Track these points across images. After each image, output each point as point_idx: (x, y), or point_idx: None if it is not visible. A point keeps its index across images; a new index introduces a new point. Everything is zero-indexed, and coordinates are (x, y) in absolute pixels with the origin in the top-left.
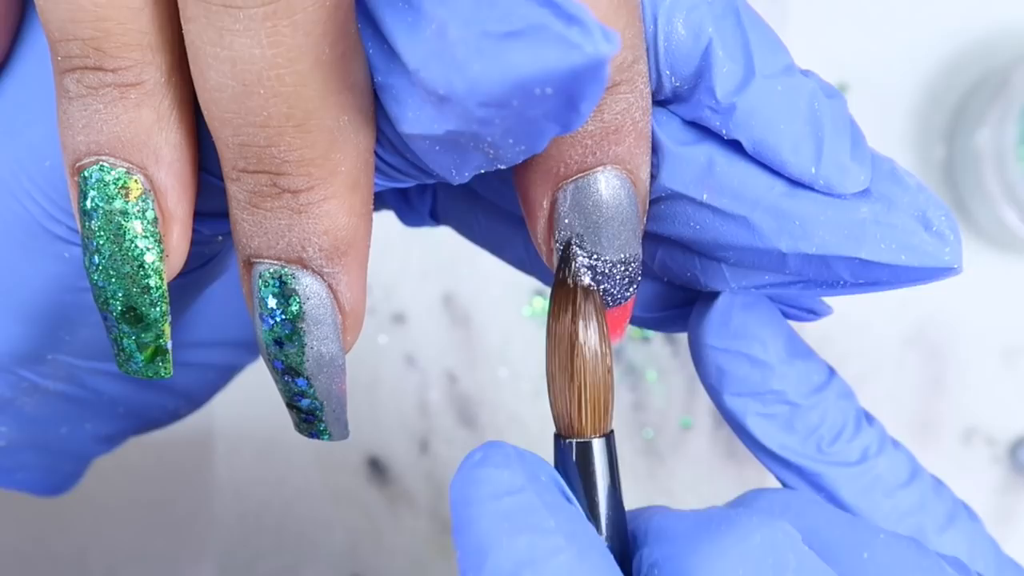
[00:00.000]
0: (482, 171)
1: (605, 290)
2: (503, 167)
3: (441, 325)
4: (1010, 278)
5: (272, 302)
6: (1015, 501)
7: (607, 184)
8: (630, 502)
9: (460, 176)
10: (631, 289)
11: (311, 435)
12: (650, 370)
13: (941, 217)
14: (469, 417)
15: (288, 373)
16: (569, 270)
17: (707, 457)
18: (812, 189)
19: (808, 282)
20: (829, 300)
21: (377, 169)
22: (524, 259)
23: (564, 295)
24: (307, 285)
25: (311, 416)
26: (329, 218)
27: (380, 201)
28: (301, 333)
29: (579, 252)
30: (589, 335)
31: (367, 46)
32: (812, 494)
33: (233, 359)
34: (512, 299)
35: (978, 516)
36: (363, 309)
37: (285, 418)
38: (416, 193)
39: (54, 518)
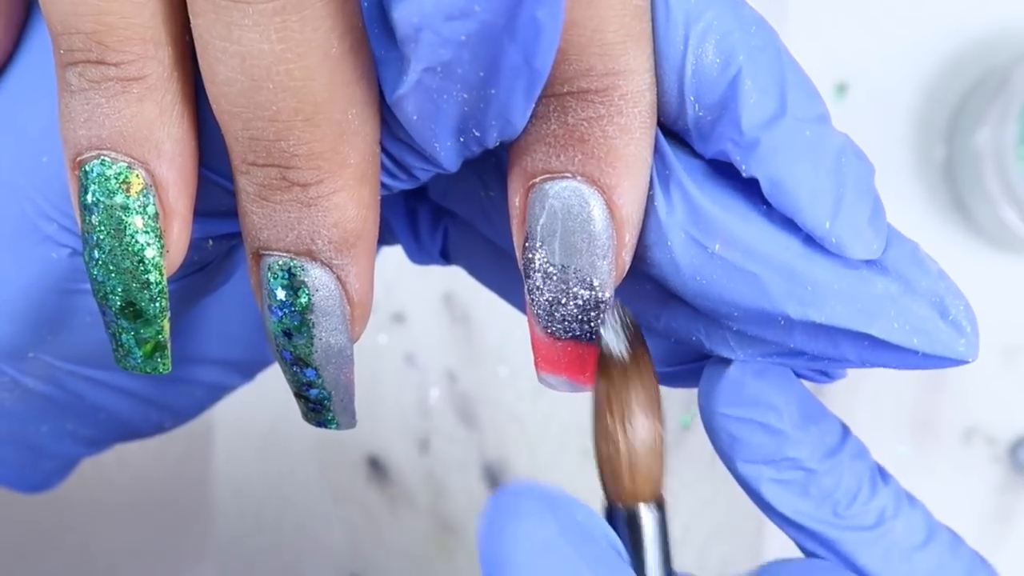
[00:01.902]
0: (463, 141)
1: (564, 316)
2: (478, 133)
3: (441, 324)
4: (1010, 278)
5: (281, 294)
6: (1015, 500)
7: (573, 194)
8: None
9: (444, 148)
10: (597, 321)
11: (319, 424)
12: None
13: (960, 307)
14: (469, 416)
15: (297, 364)
16: (614, 332)
17: (707, 457)
18: (821, 247)
19: (814, 358)
20: None
21: (381, 166)
22: None
23: (609, 359)
24: (316, 277)
25: (319, 406)
26: (338, 210)
27: (391, 237)
28: (310, 324)
29: (614, 315)
30: (636, 398)
31: (371, 32)
32: (832, 563)
33: (223, 379)
34: None
35: (995, 569)
36: (371, 300)
37: (285, 416)
38: (427, 231)
39: (57, 515)
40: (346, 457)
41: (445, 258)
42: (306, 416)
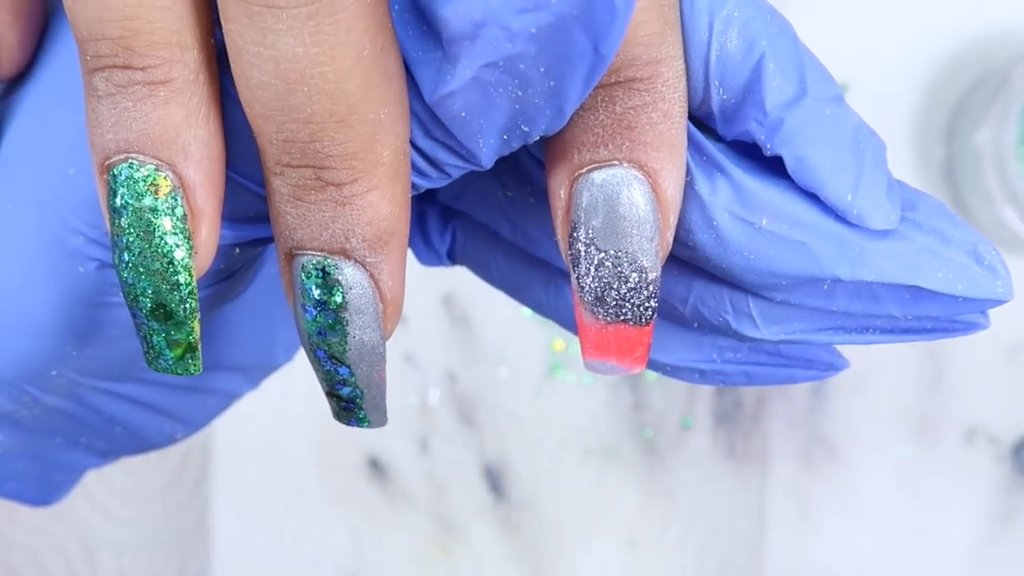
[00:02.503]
0: (506, 138)
1: (615, 300)
2: (527, 128)
3: (441, 325)
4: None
5: (316, 292)
6: (1017, 500)
7: (620, 181)
8: (630, 502)
9: (487, 146)
10: (649, 304)
11: (350, 423)
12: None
13: (991, 252)
14: (469, 417)
15: (330, 362)
16: None
17: (707, 457)
18: (843, 219)
19: (842, 328)
20: (844, 351)
21: (412, 164)
22: (542, 302)
23: None
24: (350, 275)
25: (351, 404)
26: (372, 209)
27: None
28: (344, 322)
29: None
30: None
31: (401, 34)
32: None
33: (233, 386)
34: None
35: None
36: (402, 297)
37: (285, 418)
38: (436, 232)
39: (58, 517)
40: (346, 458)
41: (451, 259)
42: (337, 415)
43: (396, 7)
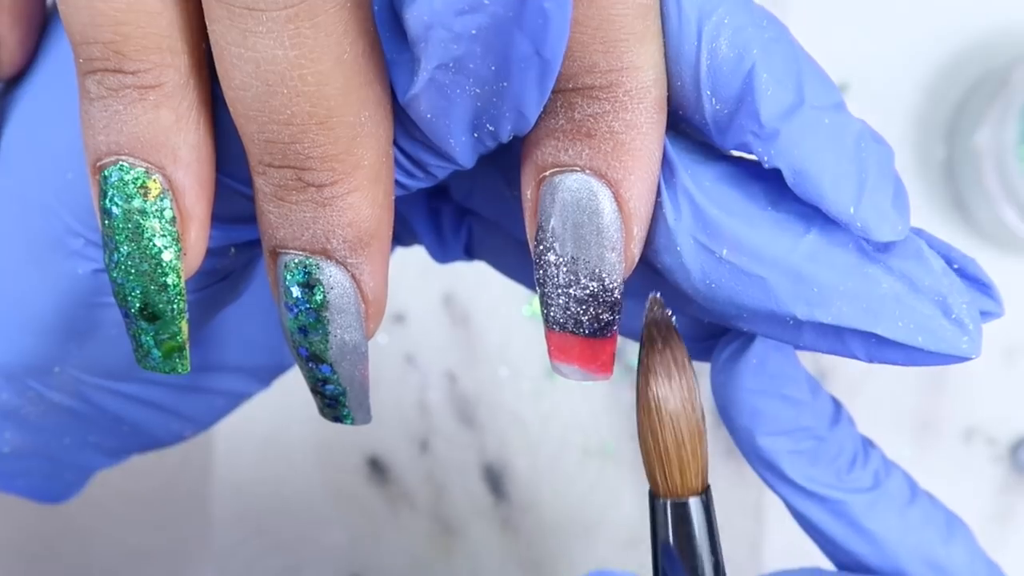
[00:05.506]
0: (477, 136)
1: (578, 310)
2: (492, 128)
3: (441, 325)
4: (1010, 278)
5: (297, 291)
6: (1015, 501)
7: (580, 186)
8: (630, 502)
9: (459, 144)
10: (608, 319)
11: (335, 419)
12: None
13: (962, 305)
14: (469, 417)
15: (312, 360)
16: (655, 328)
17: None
18: (828, 248)
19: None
20: None
21: (398, 165)
22: None
23: (648, 352)
24: (331, 275)
25: (334, 401)
26: (353, 210)
27: (413, 236)
28: (325, 322)
29: (666, 308)
30: (673, 393)
31: (380, 32)
32: (821, 570)
33: (241, 387)
34: (512, 298)
35: (965, 523)
36: (385, 298)
37: (285, 418)
38: (451, 231)
39: (58, 518)
40: (346, 458)
41: (468, 254)
42: (322, 411)
43: (377, 9)
